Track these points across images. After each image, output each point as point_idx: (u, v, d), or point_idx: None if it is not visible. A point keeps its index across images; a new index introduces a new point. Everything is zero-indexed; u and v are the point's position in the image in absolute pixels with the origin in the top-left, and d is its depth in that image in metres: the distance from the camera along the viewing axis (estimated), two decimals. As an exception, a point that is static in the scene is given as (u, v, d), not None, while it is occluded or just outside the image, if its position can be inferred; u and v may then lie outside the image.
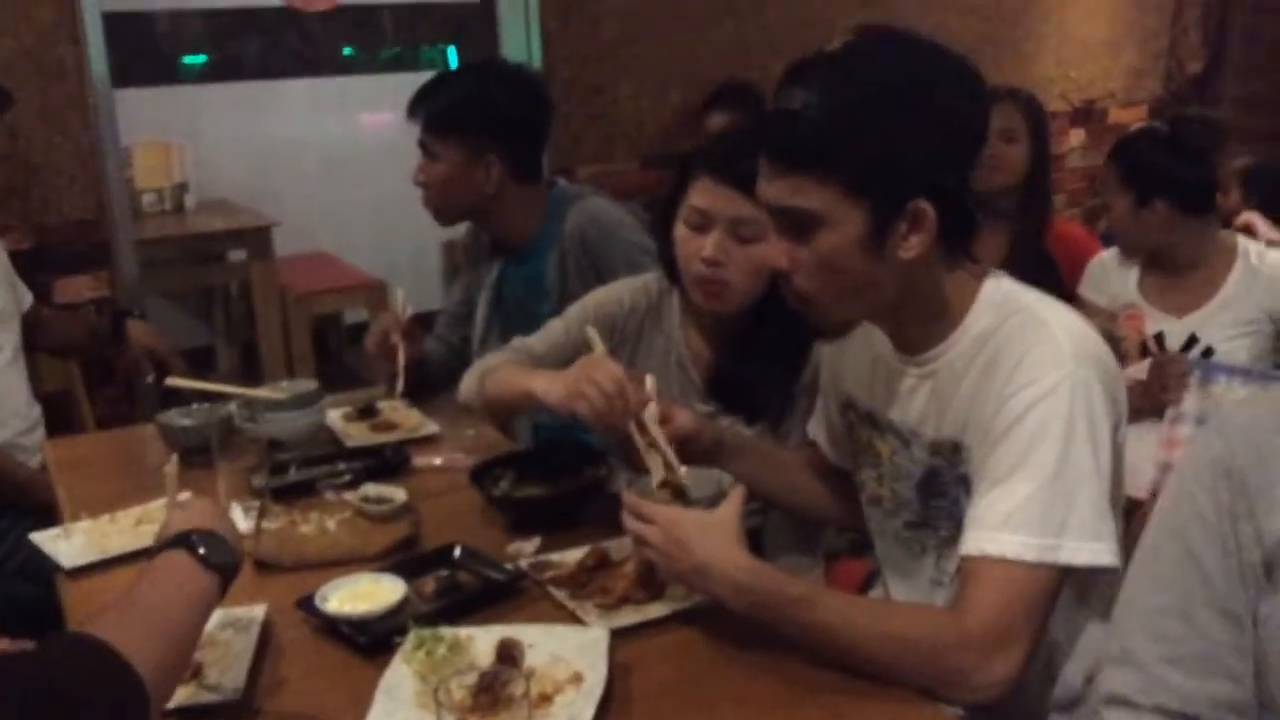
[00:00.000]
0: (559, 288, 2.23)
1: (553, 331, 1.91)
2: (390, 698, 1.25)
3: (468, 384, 1.94)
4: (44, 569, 1.71)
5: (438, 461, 2.01)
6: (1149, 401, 2.34)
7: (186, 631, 1.14)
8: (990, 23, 4.62)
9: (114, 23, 3.17)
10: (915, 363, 1.40)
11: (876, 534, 1.55)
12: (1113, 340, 2.19)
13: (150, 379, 2.69)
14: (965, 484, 1.34)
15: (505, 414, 1.97)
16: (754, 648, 1.34)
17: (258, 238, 4.47)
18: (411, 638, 1.33)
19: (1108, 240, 3.03)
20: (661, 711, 1.26)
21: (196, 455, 2.01)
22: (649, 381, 1.57)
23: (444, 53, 6.04)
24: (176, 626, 1.12)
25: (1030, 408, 1.24)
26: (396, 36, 6.03)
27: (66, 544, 1.73)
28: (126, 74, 3.95)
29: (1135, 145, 2.65)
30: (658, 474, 1.49)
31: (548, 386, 1.62)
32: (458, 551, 1.61)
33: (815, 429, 1.66)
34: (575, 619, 1.43)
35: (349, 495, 1.79)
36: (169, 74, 5.38)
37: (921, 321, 1.36)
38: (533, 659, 1.31)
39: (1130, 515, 1.48)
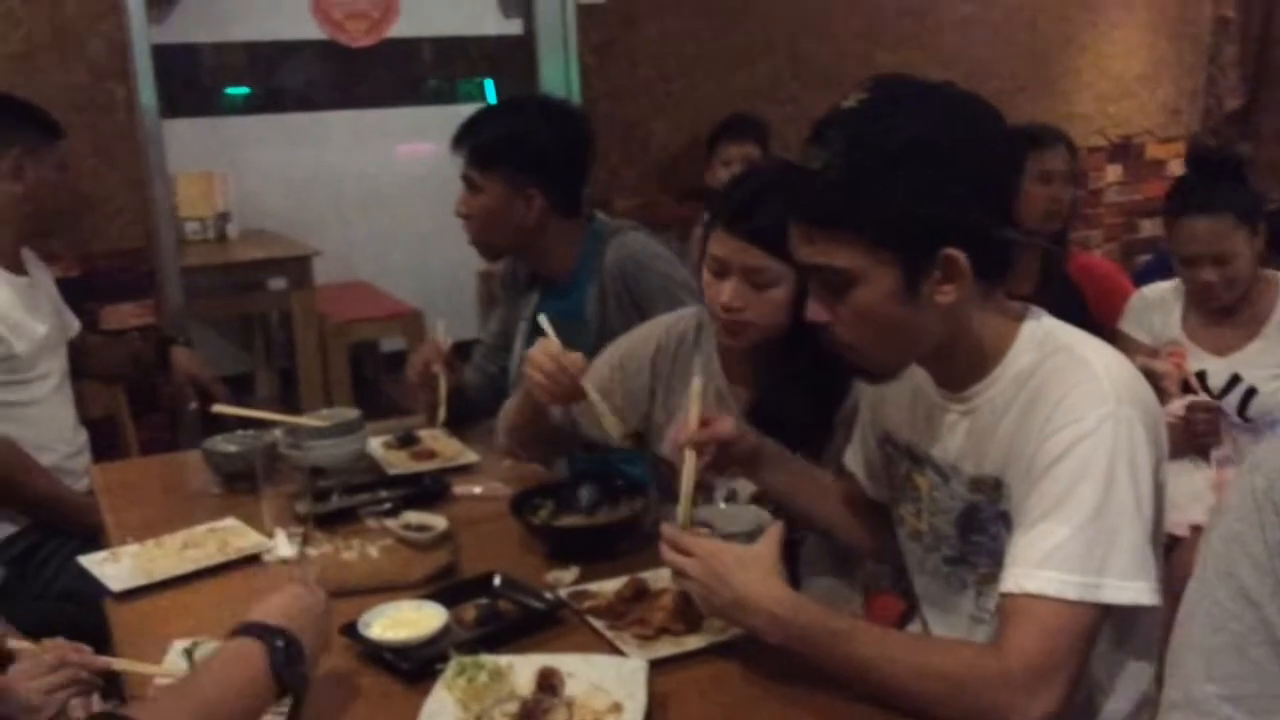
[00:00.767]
0: (598, 321, 2.24)
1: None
2: (432, 724, 1.27)
3: (497, 431, 2.08)
4: (90, 591, 1.74)
5: (477, 490, 2.03)
6: (1189, 439, 2.33)
7: None
8: (1027, 59, 4.64)
9: (159, 55, 3.24)
10: (956, 399, 1.40)
11: (915, 569, 1.55)
12: (1153, 377, 2.18)
13: (194, 406, 2.74)
14: (1005, 521, 1.35)
15: (527, 439, 2.02)
16: (791, 682, 1.35)
17: (298, 267, 4.52)
18: (453, 665, 1.35)
19: (1142, 277, 3.03)
20: (700, 743, 1.27)
21: (241, 481, 2.06)
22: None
23: (481, 86, 6.12)
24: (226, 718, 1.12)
25: (1072, 446, 1.24)
26: (435, 70, 6.11)
27: (114, 567, 1.76)
28: (171, 105, 4.03)
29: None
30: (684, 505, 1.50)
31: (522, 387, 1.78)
32: (497, 580, 1.63)
33: (853, 461, 1.67)
34: (614, 649, 1.44)
35: (390, 522, 1.82)
36: (212, 105, 5.48)
37: (962, 359, 1.37)
38: (572, 688, 1.32)
39: (1169, 553, 1.48)
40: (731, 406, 1.86)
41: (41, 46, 3.02)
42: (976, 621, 1.42)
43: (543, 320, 1.87)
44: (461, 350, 2.47)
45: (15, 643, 1.38)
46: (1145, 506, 1.24)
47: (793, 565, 1.44)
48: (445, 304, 4.89)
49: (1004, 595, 1.26)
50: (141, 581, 1.71)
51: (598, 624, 1.51)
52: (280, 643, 1.19)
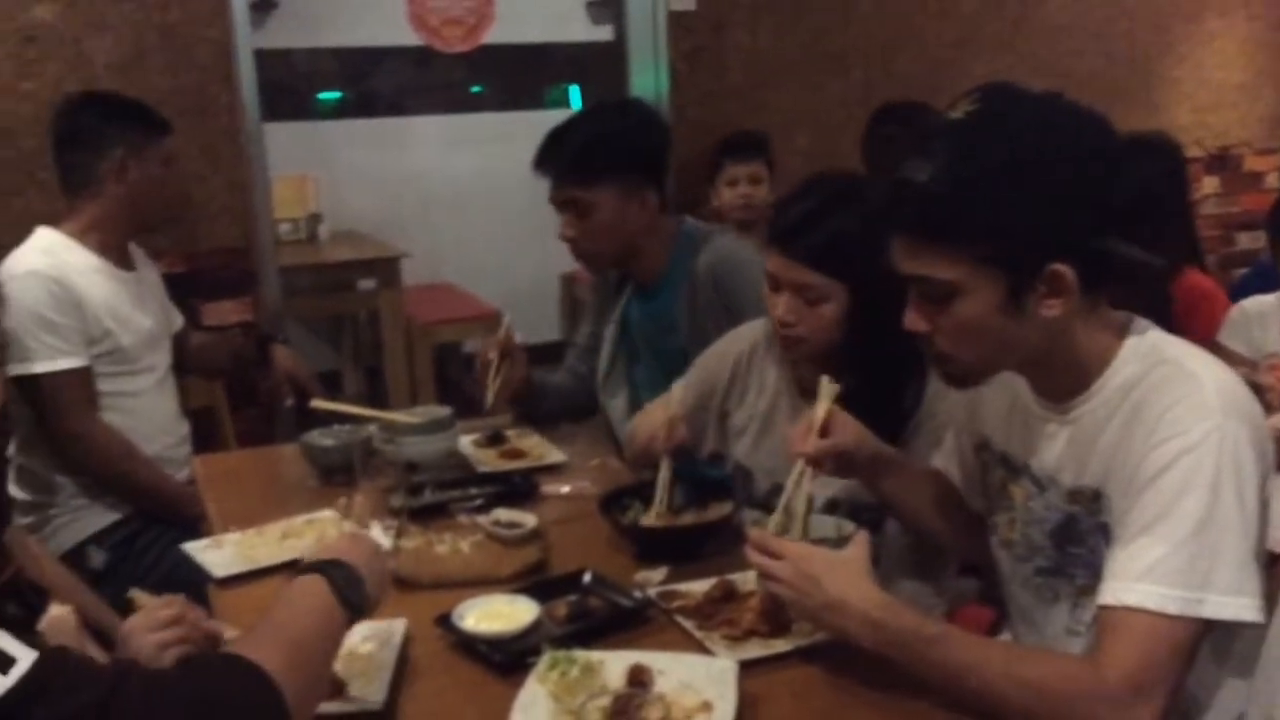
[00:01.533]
0: (688, 324, 2.25)
1: (674, 391, 2.02)
2: (526, 715, 1.29)
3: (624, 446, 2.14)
4: (190, 578, 1.79)
5: (565, 490, 2.06)
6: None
7: (322, 656, 1.18)
8: (1123, 67, 4.55)
9: (258, 60, 3.32)
10: (1056, 409, 1.39)
11: (1006, 578, 1.54)
12: (1257, 390, 2.13)
13: (290, 402, 2.81)
14: (1104, 533, 1.33)
15: (644, 461, 2.03)
16: (880, 687, 1.35)
17: (386, 268, 4.62)
18: (546, 658, 1.38)
19: (1240, 290, 2.96)
20: (790, 745, 1.28)
21: (337, 474, 2.11)
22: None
23: (566, 92, 6.18)
24: (314, 650, 1.16)
25: (1177, 459, 1.23)
26: (522, 76, 6.18)
27: (217, 554, 1.82)
28: (267, 109, 4.14)
29: None
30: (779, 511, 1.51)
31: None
32: (587, 577, 1.65)
33: (948, 465, 1.66)
34: (702, 649, 1.46)
35: (481, 518, 1.86)
36: (305, 109, 5.61)
37: (1063, 370, 1.36)
38: (662, 685, 1.34)
39: (1270, 569, 1.45)
40: (804, 407, 1.86)
41: (150, 50, 3.13)
42: (1071, 634, 1.41)
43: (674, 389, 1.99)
44: (535, 354, 2.48)
45: (137, 593, 1.43)
46: (1251, 521, 1.22)
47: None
48: (528, 306, 4.97)
49: (1102, 608, 1.24)
50: (244, 568, 1.76)
51: (686, 624, 1.52)
52: (337, 570, 1.23)
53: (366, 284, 4.89)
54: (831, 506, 1.75)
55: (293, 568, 1.73)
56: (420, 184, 5.63)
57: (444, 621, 1.52)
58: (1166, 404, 1.26)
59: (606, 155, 2.23)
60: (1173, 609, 1.19)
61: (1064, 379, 1.37)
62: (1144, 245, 2.48)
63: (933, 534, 1.70)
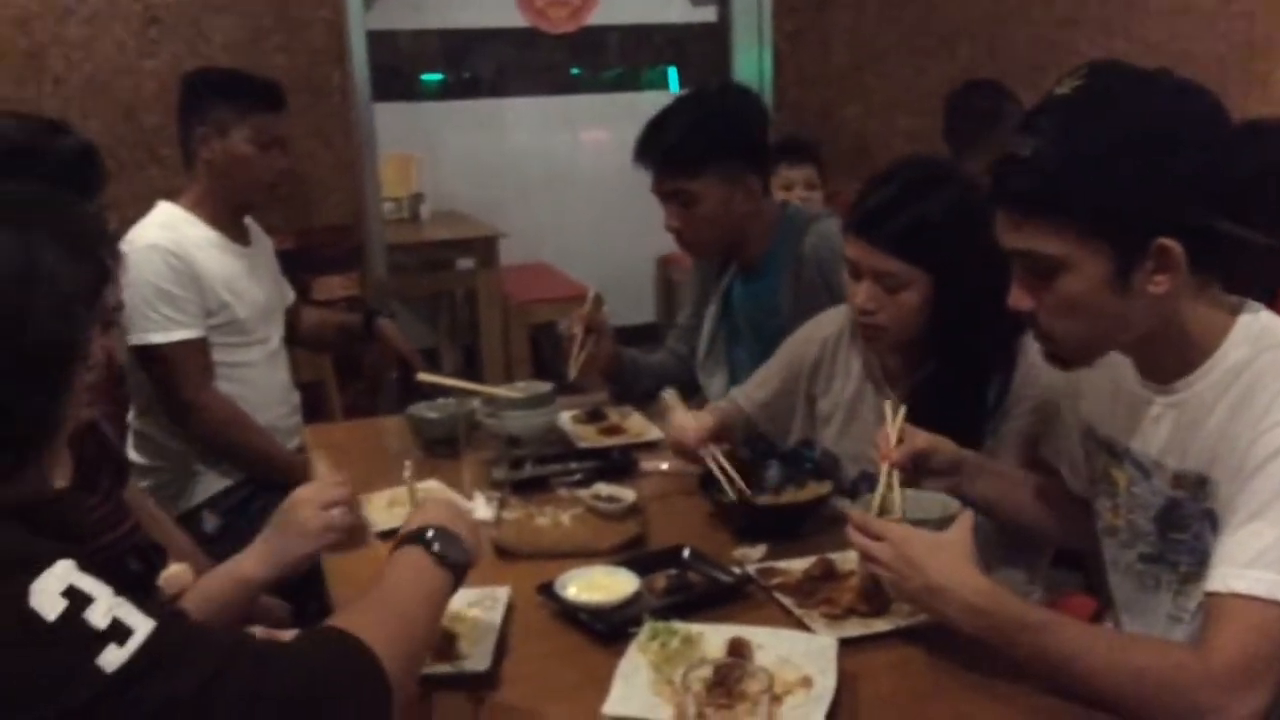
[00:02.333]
0: (791, 307, 2.24)
1: (757, 374, 2.05)
2: (627, 683, 1.32)
3: None
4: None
5: (664, 466, 2.09)
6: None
7: (425, 625, 1.20)
8: (1240, 51, 4.39)
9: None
10: (1162, 391, 1.37)
11: (1109, 565, 1.52)
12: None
13: (394, 375, 2.88)
14: (1210, 519, 1.31)
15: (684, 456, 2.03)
16: (979, 669, 1.35)
17: (485, 247, 4.70)
18: (647, 629, 1.40)
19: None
20: (888, 723, 1.28)
21: (441, 446, 2.17)
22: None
23: (664, 74, 6.19)
24: (416, 621, 1.18)
25: None
26: (620, 58, 6.21)
27: (327, 519, 1.87)
28: (374, 90, 4.24)
29: None
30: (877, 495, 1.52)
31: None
32: (686, 552, 1.67)
33: (1053, 454, 1.64)
34: (801, 626, 1.47)
35: (581, 492, 1.89)
36: (408, 90, 5.71)
37: (1170, 351, 1.34)
38: (761, 660, 1.35)
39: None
40: (888, 394, 1.85)
41: (266, 30, 3.22)
42: (1175, 621, 1.39)
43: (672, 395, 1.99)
44: (631, 334, 2.50)
45: (316, 459, 1.49)
46: None
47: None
48: (623, 288, 5.00)
49: (1209, 595, 1.23)
50: (353, 533, 1.82)
51: (785, 601, 1.53)
52: (436, 544, 1.25)
53: (465, 263, 4.98)
54: None
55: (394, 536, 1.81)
56: (519, 165, 5.70)
57: (546, 590, 1.55)
58: (1278, 388, 1.24)
59: (708, 145, 2.21)
60: None
61: (1171, 359, 1.35)
62: (1263, 229, 2.43)
63: (1037, 530, 1.69)
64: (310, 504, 1.40)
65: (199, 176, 2.57)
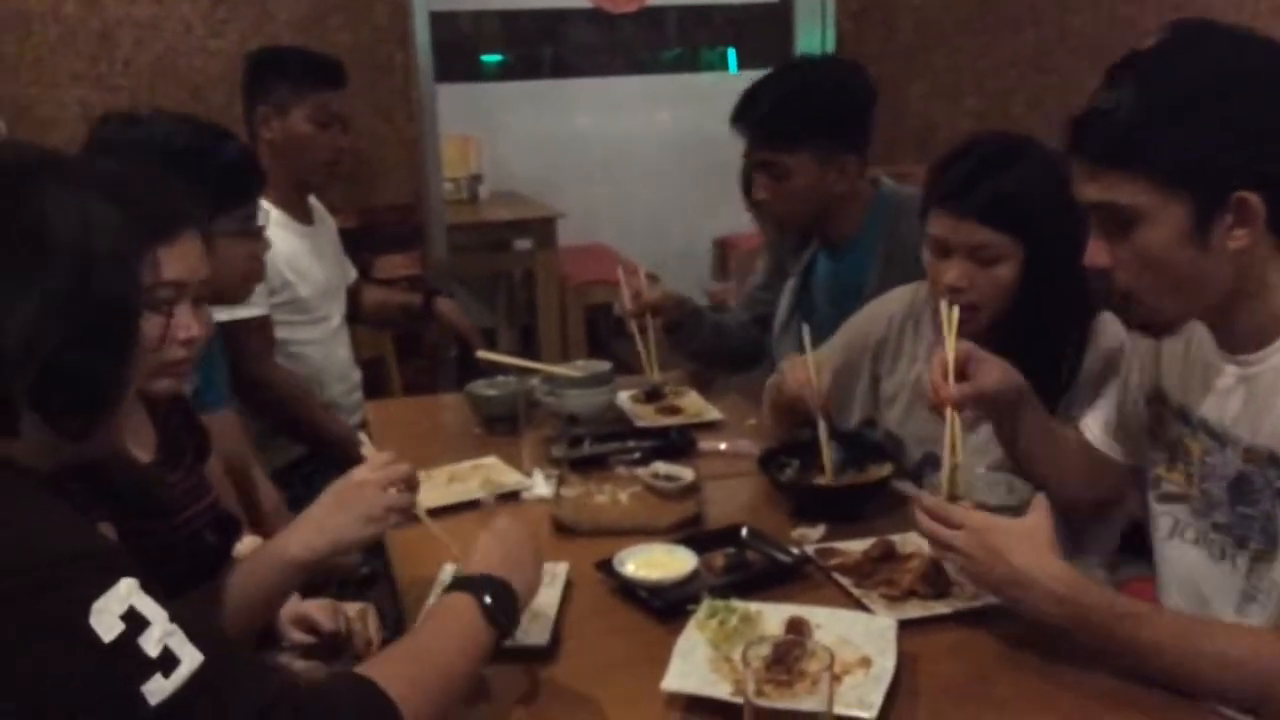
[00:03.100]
0: (877, 288, 2.14)
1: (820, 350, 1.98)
2: (685, 660, 1.32)
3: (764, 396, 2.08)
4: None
5: (722, 446, 2.08)
6: None
7: (459, 679, 1.18)
8: (1317, 29, 4.27)
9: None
10: (1236, 361, 1.34)
11: (1167, 534, 1.48)
12: None
13: (454, 353, 2.91)
14: None
15: (783, 419, 2.01)
16: (1041, 652, 1.33)
17: (543, 228, 4.71)
18: (705, 606, 1.40)
19: None
20: (949, 706, 1.27)
21: (499, 423, 2.19)
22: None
23: (724, 55, 6.16)
24: (450, 673, 1.17)
25: None
26: (680, 38, 6.18)
27: (389, 495, 1.89)
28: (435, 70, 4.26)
29: None
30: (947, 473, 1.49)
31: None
32: (744, 532, 1.67)
33: (1095, 424, 1.61)
34: (860, 606, 1.46)
35: (640, 471, 1.89)
36: (468, 71, 5.74)
37: (1248, 317, 1.30)
38: (820, 639, 1.34)
39: None
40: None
41: (330, 9, 3.25)
42: (1248, 599, 1.36)
43: (804, 331, 1.89)
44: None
45: (364, 440, 1.50)
46: None
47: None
48: (680, 269, 4.99)
49: None
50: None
51: (844, 581, 1.52)
52: (488, 597, 1.22)
53: (523, 244, 4.99)
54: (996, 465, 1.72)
55: (459, 510, 1.83)
56: (578, 146, 5.70)
57: (605, 567, 1.56)
58: None
59: (805, 119, 2.16)
60: None
61: (1249, 326, 1.31)
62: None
63: (1048, 487, 1.60)
64: (373, 485, 1.36)
65: (262, 156, 2.59)
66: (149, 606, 0.92)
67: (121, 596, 0.91)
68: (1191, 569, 1.44)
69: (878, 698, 1.23)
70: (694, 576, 1.53)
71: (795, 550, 1.61)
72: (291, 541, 1.36)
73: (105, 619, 0.89)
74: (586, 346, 4.75)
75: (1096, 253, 1.30)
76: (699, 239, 5.49)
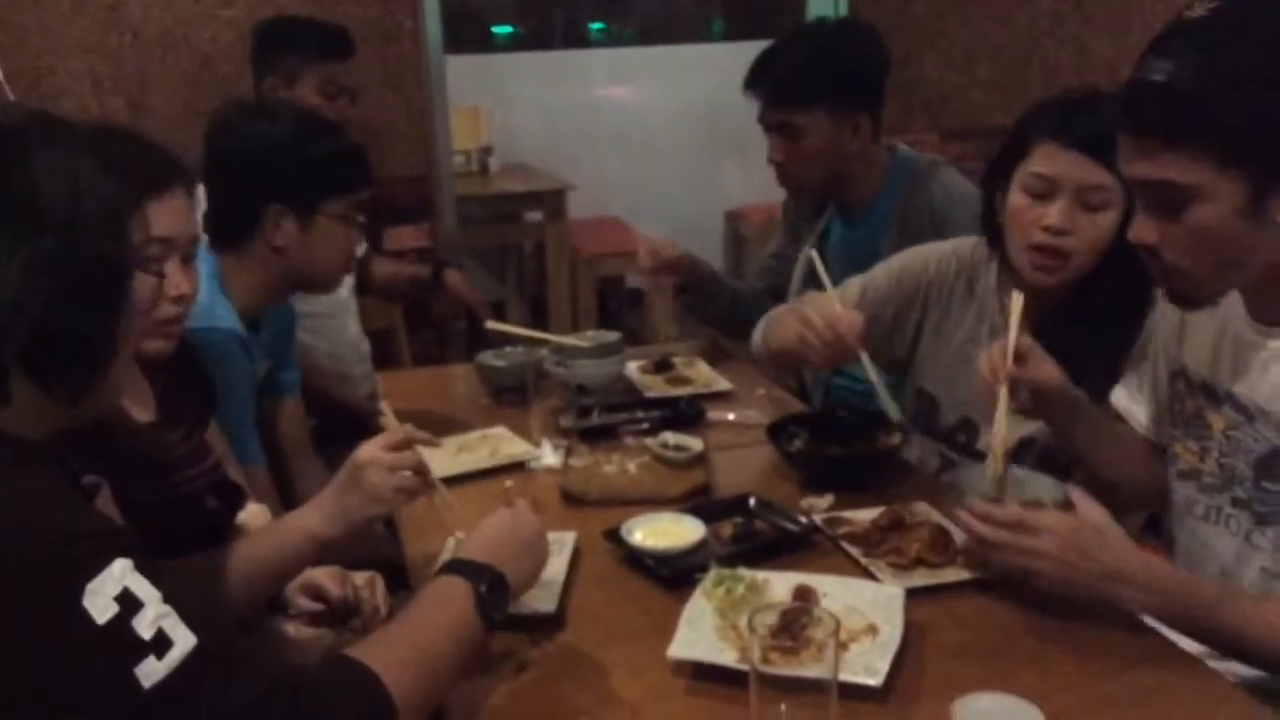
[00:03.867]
0: (893, 254, 2.07)
1: (850, 290, 1.93)
2: (692, 628, 1.32)
3: (756, 336, 2.05)
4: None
5: (731, 417, 2.08)
6: None
7: (447, 663, 1.17)
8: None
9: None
10: (1273, 335, 1.32)
11: (1182, 511, 1.48)
12: None
13: (462, 324, 2.91)
14: None
15: (786, 362, 1.97)
16: (1049, 619, 1.34)
17: (554, 200, 4.70)
18: (712, 575, 1.40)
19: None
20: (956, 673, 1.27)
21: (507, 393, 2.19)
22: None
23: (734, 25, 6.11)
24: (439, 658, 1.16)
25: None
26: (690, 7, 6.14)
27: (397, 464, 1.90)
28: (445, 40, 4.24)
29: None
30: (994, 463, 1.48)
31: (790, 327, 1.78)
32: (753, 501, 1.67)
33: (1128, 400, 1.60)
34: (868, 575, 1.46)
35: (649, 441, 1.89)
36: (479, 42, 5.71)
37: None
38: (827, 607, 1.33)
39: None
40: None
41: (339, -22, 3.24)
42: (1272, 576, 1.35)
43: (814, 258, 1.83)
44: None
45: (384, 408, 1.51)
46: None
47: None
48: (691, 242, 4.94)
49: None
50: (421, 478, 1.84)
51: (852, 550, 1.52)
52: (483, 585, 1.22)
53: (533, 216, 4.98)
54: (1026, 445, 1.71)
55: (467, 480, 1.83)
56: (588, 118, 5.67)
57: (613, 536, 1.56)
58: None
59: (819, 78, 2.16)
60: None
61: None
62: None
63: (1119, 486, 1.61)
64: (379, 467, 1.37)
65: None
66: (143, 587, 0.91)
67: (115, 577, 0.90)
68: (1207, 544, 1.44)
69: (884, 665, 1.23)
70: (702, 545, 1.53)
71: (803, 519, 1.61)
72: (311, 517, 1.39)
73: (99, 600, 0.89)
74: (597, 319, 4.75)
75: (1143, 230, 1.27)
76: (710, 211, 5.46)
